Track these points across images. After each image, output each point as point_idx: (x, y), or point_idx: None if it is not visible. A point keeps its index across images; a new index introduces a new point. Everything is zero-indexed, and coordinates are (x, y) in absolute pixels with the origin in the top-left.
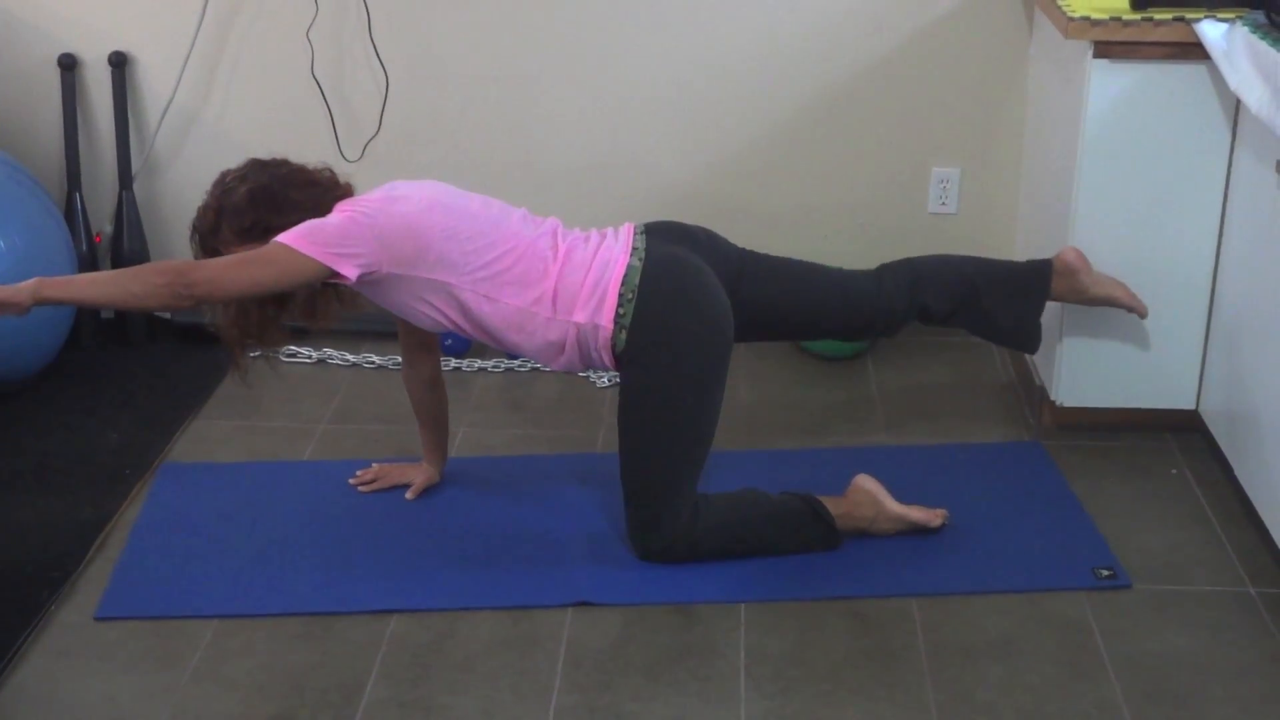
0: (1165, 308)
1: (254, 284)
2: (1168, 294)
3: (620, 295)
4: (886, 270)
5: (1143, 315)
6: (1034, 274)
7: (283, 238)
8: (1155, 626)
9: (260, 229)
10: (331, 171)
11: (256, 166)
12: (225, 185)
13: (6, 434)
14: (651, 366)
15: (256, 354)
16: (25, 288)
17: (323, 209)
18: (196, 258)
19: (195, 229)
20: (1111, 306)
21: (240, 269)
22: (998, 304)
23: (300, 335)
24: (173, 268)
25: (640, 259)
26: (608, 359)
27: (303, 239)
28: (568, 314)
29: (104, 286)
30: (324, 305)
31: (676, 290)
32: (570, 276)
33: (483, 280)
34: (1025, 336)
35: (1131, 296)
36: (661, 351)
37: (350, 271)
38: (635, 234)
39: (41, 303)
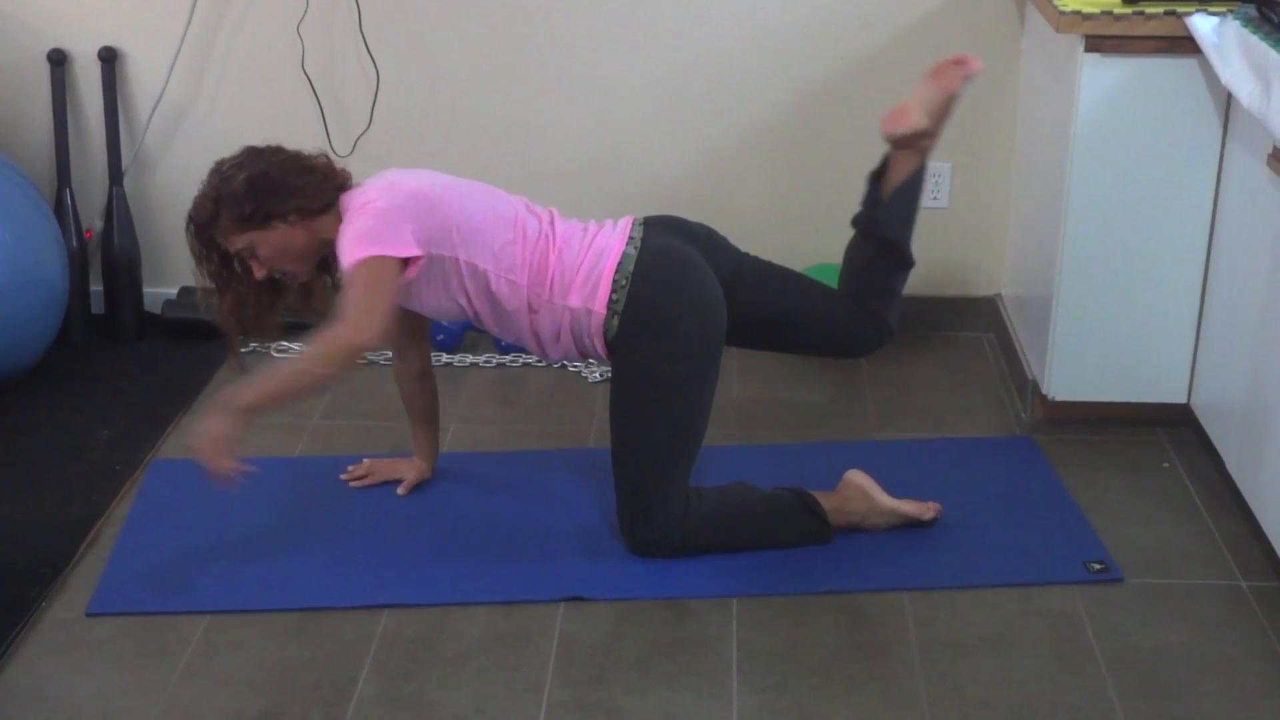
0: (1157, 302)
1: (385, 307)
2: (1159, 288)
3: (614, 281)
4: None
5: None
6: (915, 189)
7: (350, 259)
8: (1147, 620)
9: (260, 216)
10: (327, 158)
11: (253, 154)
12: (222, 174)
13: None
14: (643, 354)
15: (249, 350)
16: (229, 415)
17: (322, 195)
18: (192, 250)
19: (192, 219)
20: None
21: (372, 304)
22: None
23: (293, 331)
24: (333, 339)
25: (636, 248)
26: (600, 346)
27: (367, 246)
28: (563, 298)
29: (295, 382)
30: (319, 289)
31: (670, 279)
32: (567, 261)
33: (502, 260)
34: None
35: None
36: (653, 339)
37: (413, 250)
38: (634, 224)
39: (251, 418)
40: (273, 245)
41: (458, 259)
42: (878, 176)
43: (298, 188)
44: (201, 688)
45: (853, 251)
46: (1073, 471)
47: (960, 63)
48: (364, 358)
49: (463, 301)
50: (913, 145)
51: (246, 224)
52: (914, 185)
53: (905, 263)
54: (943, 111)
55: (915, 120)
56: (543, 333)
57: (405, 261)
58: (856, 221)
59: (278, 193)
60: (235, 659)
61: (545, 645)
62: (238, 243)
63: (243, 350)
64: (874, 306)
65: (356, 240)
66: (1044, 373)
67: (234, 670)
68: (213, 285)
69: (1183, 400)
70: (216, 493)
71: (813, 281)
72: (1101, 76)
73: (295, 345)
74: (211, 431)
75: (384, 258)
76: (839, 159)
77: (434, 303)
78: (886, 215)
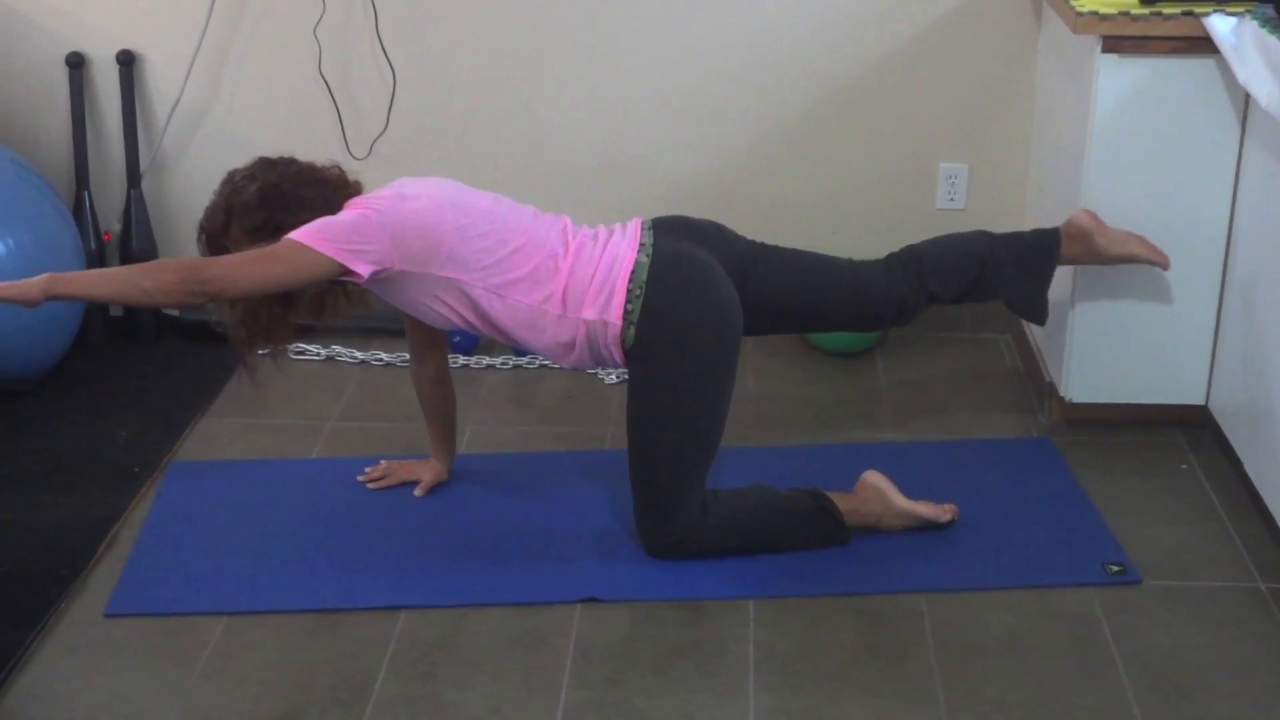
0: (1175, 303)
1: (266, 281)
2: (1177, 289)
3: (628, 291)
4: (894, 260)
5: (1165, 268)
6: (1040, 247)
7: (295, 235)
8: (1164, 622)
9: (271, 227)
10: (340, 169)
11: (265, 165)
12: (234, 184)
13: (16, 432)
14: (660, 361)
15: (264, 352)
16: (36, 282)
17: (333, 206)
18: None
19: (203, 229)
20: (1133, 263)
21: (253, 266)
22: (1005, 281)
23: (307, 333)
24: (186, 264)
25: (648, 255)
26: (617, 355)
27: (315, 236)
28: (577, 311)
29: (115, 283)
30: (332, 303)
31: (684, 286)
32: (579, 274)
33: (494, 278)
34: (1034, 310)
35: (1151, 250)
36: (669, 346)
37: (363, 269)
38: (643, 229)
39: (53, 298)
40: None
41: (441, 276)
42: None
43: (309, 200)
44: (219, 688)
45: (960, 237)
46: (1090, 473)
47: (1160, 256)
48: (207, 307)
49: (450, 315)
50: (1076, 240)
51: (257, 234)
52: (1047, 255)
53: (982, 280)
54: (1115, 256)
55: (1096, 231)
56: (551, 345)
57: (349, 270)
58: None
59: (289, 205)
60: (253, 660)
61: (562, 646)
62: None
63: (258, 354)
64: (927, 281)
65: (317, 228)
66: (1061, 374)
67: (251, 671)
68: None
69: (1201, 402)
70: (235, 495)
71: (827, 259)
72: (1118, 77)
73: (311, 347)
74: (11, 286)
75: (320, 255)
76: (855, 159)
77: (416, 310)
78: (1012, 242)
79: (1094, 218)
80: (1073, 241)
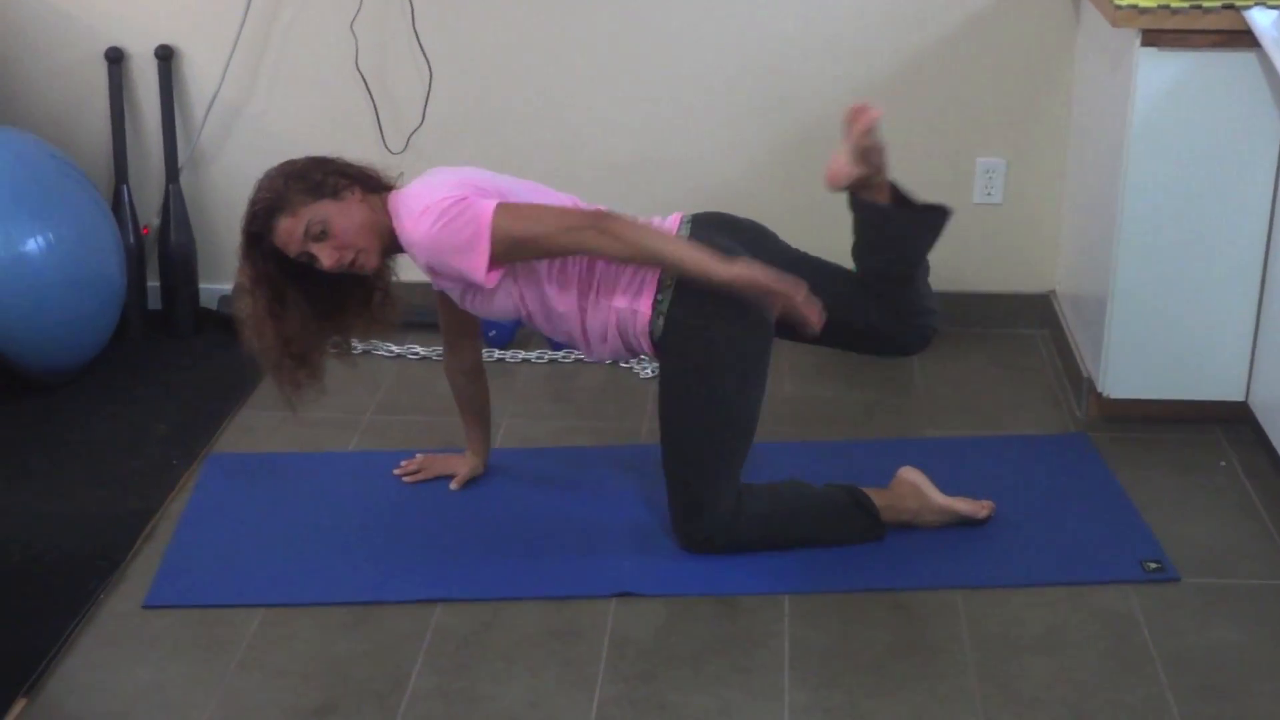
0: (1214, 298)
1: (546, 209)
2: (1217, 284)
3: (659, 281)
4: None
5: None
6: (902, 224)
7: (483, 219)
8: (1203, 620)
9: (330, 185)
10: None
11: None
12: (276, 167)
13: (55, 425)
14: (689, 354)
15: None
16: (734, 270)
17: (374, 183)
18: (245, 255)
19: (255, 205)
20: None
21: (541, 210)
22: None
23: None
24: (593, 222)
25: None
26: (646, 345)
27: (477, 208)
28: (609, 298)
29: (653, 236)
30: (379, 305)
31: None
32: (613, 262)
33: (554, 260)
34: (931, 217)
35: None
36: (699, 339)
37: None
38: (682, 223)
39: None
40: (348, 216)
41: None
42: (855, 227)
43: (356, 167)
44: (256, 680)
45: (871, 296)
46: (1128, 469)
47: (859, 112)
48: (273, 306)
49: (516, 299)
50: (867, 186)
51: (319, 191)
52: (900, 222)
53: (913, 279)
54: (870, 158)
55: (850, 171)
56: (591, 332)
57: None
58: (862, 277)
59: (339, 167)
60: (290, 652)
61: (597, 641)
62: (308, 215)
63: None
64: (913, 321)
65: (457, 220)
66: (1099, 370)
67: (288, 663)
68: (265, 311)
69: (1240, 398)
70: (272, 487)
71: (863, 281)
72: (1158, 71)
73: (391, 344)
74: (764, 276)
75: (499, 204)
76: (892, 155)
77: (494, 301)
78: (883, 268)
79: (852, 179)
80: (869, 190)
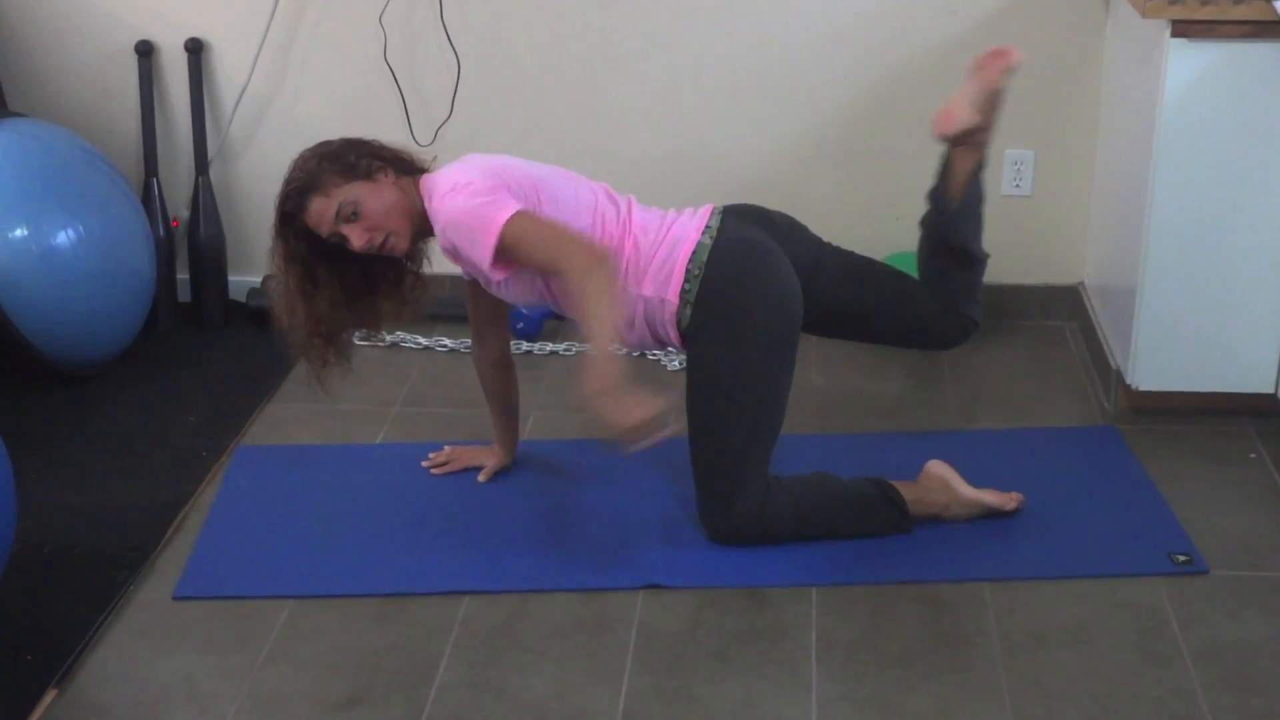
0: (1244, 290)
1: (562, 230)
2: (1247, 276)
3: (687, 271)
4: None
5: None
6: (980, 191)
7: (496, 223)
8: (1232, 613)
9: (364, 166)
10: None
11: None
12: (311, 148)
13: (85, 417)
14: (716, 344)
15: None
16: (612, 392)
17: (408, 165)
18: (276, 254)
19: (289, 185)
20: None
21: (556, 233)
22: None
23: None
24: (590, 260)
25: (711, 237)
26: (673, 335)
27: (497, 207)
28: (636, 287)
29: (613, 315)
30: (409, 288)
31: (743, 269)
32: (642, 250)
33: None
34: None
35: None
36: (726, 329)
37: (520, 205)
38: (713, 214)
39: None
40: (380, 198)
41: None
42: (942, 175)
43: (390, 149)
44: (285, 672)
45: (925, 258)
46: (1157, 462)
47: (1000, 55)
48: (304, 287)
49: (540, 284)
50: (968, 142)
51: (352, 173)
52: (978, 188)
53: (977, 261)
54: (991, 105)
55: (965, 118)
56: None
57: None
58: (925, 224)
59: (374, 148)
60: (318, 644)
61: (624, 633)
62: (340, 196)
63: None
64: (956, 304)
65: (480, 208)
66: (1128, 362)
67: (317, 655)
68: (296, 290)
69: (1270, 390)
70: (301, 479)
71: (897, 274)
72: (1189, 62)
73: (419, 336)
74: (630, 416)
75: (519, 211)
76: (919, 147)
77: (506, 282)
78: (955, 223)
79: (960, 129)
80: (968, 149)
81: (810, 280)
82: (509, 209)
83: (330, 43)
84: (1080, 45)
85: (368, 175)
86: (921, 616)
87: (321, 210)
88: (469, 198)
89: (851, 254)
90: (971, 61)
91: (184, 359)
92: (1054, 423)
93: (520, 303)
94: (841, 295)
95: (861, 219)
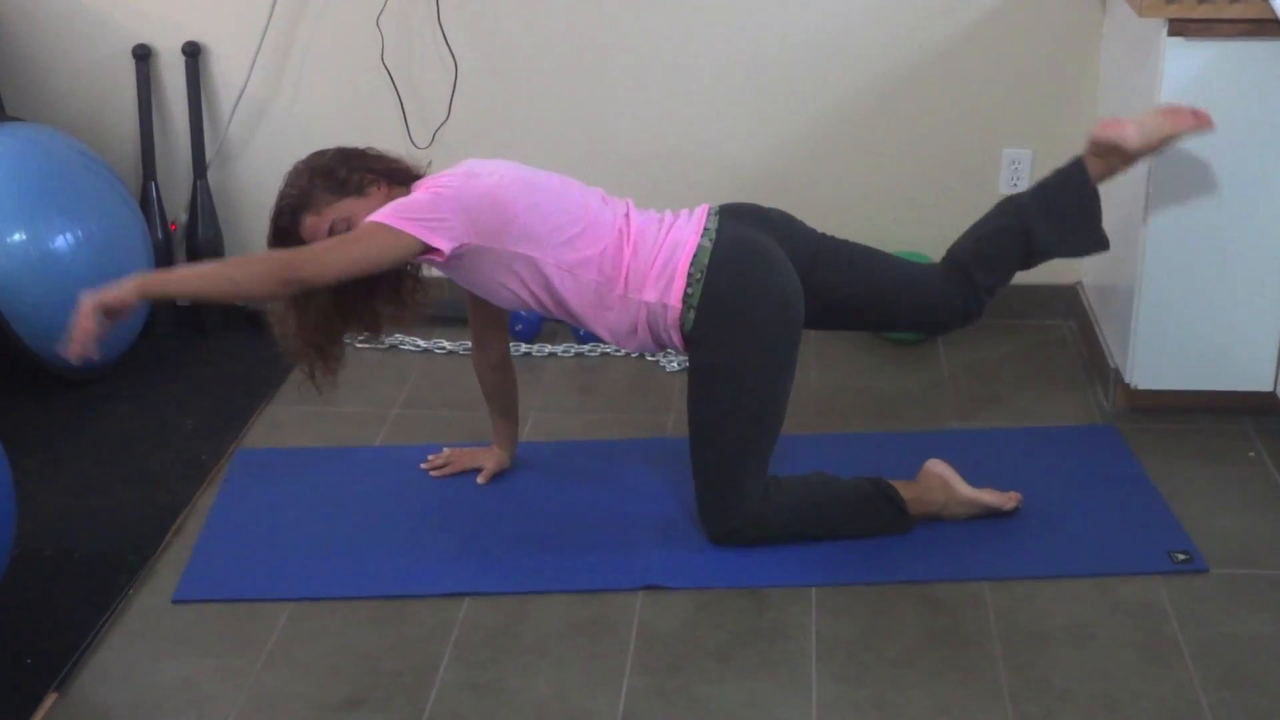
0: (1242, 289)
1: (355, 262)
2: (1245, 275)
3: (689, 275)
4: (945, 268)
5: (1206, 127)
6: (1070, 189)
7: (374, 217)
8: (1232, 611)
9: (355, 181)
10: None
11: (325, 149)
12: (303, 161)
13: (84, 421)
14: (719, 346)
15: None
16: (129, 286)
17: (405, 176)
18: (279, 241)
19: (283, 200)
20: (1174, 142)
21: (340, 249)
22: (1053, 240)
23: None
24: (276, 254)
25: (711, 239)
26: (677, 339)
27: (394, 215)
28: (638, 293)
29: (205, 278)
30: (408, 291)
31: (745, 271)
32: (642, 255)
33: (567, 255)
34: (1095, 247)
35: (1187, 120)
36: (729, 331)
37: (444, 244)
38: (709, 215)
39: (146, 298)
40: (370, 213)
41: (517, 252)
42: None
43: (385, 161)
44: (285, 674)
45: (989, 218)
46: (1156, 461)
47: (1200, 116)
48: (293, 295)
49: (524, 294)
50: (1104, 156)
51: (343, 190)
52: (1080, 192)
53: (1031, 250)
54: (1155, 146)
55: (1130, 136)
56: (617, 327)
57: (430, 248)
58: (1012, 200)
59: (368, 161)
60: (318, 646)
61: (624, 634)
62: (332, 215)
63: (319, 374)
64: (977, 279)
65: (394, 208)
66: (1127, 361)
67: (317, 657)
68: (289, 302)
69: (1269, 388)
70: (300, 482)
71: (895, 259)
72: (1186, 61)
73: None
74: (105, 293)
75: (401, 233)
76: (917, 145)
77: (490, 290)
78: (1040, 197)
79: (1112, 141)
80: (1101, 160)
81: (809, 272)
82: (392, 220)
83: (328, 45)
84: (1077, 44)
85: (359, 190)
86: (921, 616)
87: (315, 227)
88: (425, 196)
89: (849, 243)
90: (1173, 105)
91: (183, 363)
92: (1053, 422)
93: (502, 305)
94: (840, 285)
95: (861, 218)
